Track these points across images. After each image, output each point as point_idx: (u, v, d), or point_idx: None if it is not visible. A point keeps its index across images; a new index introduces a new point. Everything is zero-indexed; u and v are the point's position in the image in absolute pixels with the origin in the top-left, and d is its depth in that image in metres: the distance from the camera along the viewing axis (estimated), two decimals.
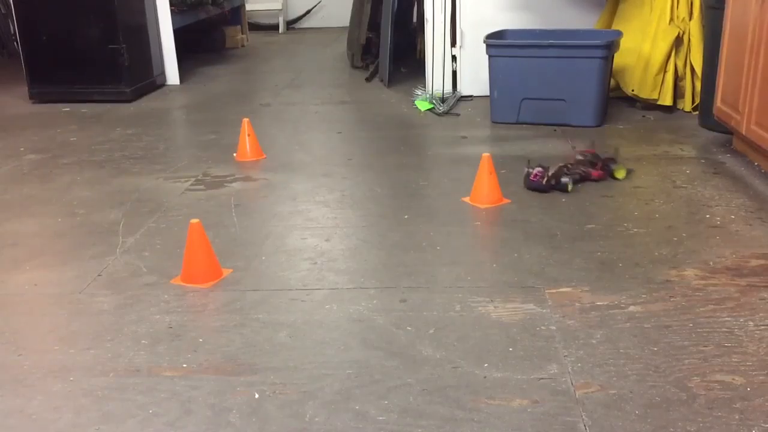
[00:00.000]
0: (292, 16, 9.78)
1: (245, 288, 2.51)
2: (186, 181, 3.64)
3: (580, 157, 3.47)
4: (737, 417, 1.77)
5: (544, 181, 3.24)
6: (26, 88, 5.47)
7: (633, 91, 4.60)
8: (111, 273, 2.65)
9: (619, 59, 4.57)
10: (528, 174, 3.31)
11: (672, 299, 2.32)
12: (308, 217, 3.13)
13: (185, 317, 2.33)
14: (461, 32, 5.12)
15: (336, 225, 3.03)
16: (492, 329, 2.19)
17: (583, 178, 3.35)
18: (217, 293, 2.49)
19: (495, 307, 2.31)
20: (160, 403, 1.90)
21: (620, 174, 3.41)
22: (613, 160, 3.45)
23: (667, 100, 4.53)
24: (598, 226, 2.92)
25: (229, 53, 7.78)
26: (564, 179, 3.26)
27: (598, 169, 3.40)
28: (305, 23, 9.80)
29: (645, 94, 4.56)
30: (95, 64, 5.34)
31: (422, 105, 4.98)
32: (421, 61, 5.80)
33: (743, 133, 3.51)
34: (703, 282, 2.43)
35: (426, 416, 1.81)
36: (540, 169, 3.28)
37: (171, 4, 6.00)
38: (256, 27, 9.33)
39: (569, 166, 3.37)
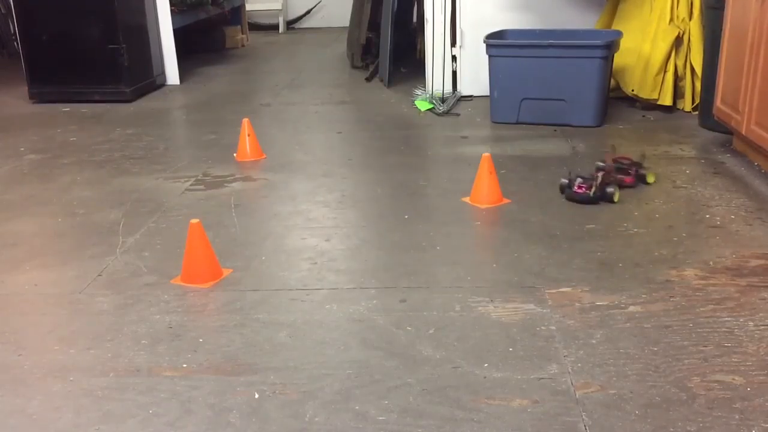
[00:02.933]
0: (292, 16, 9.77)
1: (245, 288, 2.51)
2: (186, 181, 3.64)
3: (600, 164, 3.29)
4: (737, 417, 1.77)
5: (591, 193, 3.09)
6: (26, 88, 5.47)
7: (633, 91, 4.60)
8: (111, 273, 2.66)
9: (619, 59, 4.57)
10: (568, 185, 3.17)
11: (672, 299, 2.32)
12: (308, 217, 3.13)
13: (185, 317, 2.33)
14: (461, 32, 5.12)
15: (336, 225, 3.04)
16: (492, 329, 2.19)
17: (618, 186, 3.20)
18: (217, 293, 2.49)
19: (495, 307, 2.31)
20: (160, 403, 1.90)
21: (651, 179, 3.34)
22: (640, 165, 3.37)
23: (667, 100, 4.53)
24: (598, 226, 2.92)
25: (229, 53, 7.78)
26: (609, 189, 3.11)
27: (632, 175, 3.30)
28: (305, 23, 9.80)
29: (645, 94, 4.56)
30: (95, 64, 5.33)
31: (422, 105, 4.98)
32: (421, 61, 5.79)
33: (743, 133, 3.51)
34: (703, 282, 2.43)
35: (426, 416, 1.81)
36: (581, 179, 3.14)
37: (171, 4, 6.00)
38: (256, 27, 9.32)
39: (608, 174, 3.19)
